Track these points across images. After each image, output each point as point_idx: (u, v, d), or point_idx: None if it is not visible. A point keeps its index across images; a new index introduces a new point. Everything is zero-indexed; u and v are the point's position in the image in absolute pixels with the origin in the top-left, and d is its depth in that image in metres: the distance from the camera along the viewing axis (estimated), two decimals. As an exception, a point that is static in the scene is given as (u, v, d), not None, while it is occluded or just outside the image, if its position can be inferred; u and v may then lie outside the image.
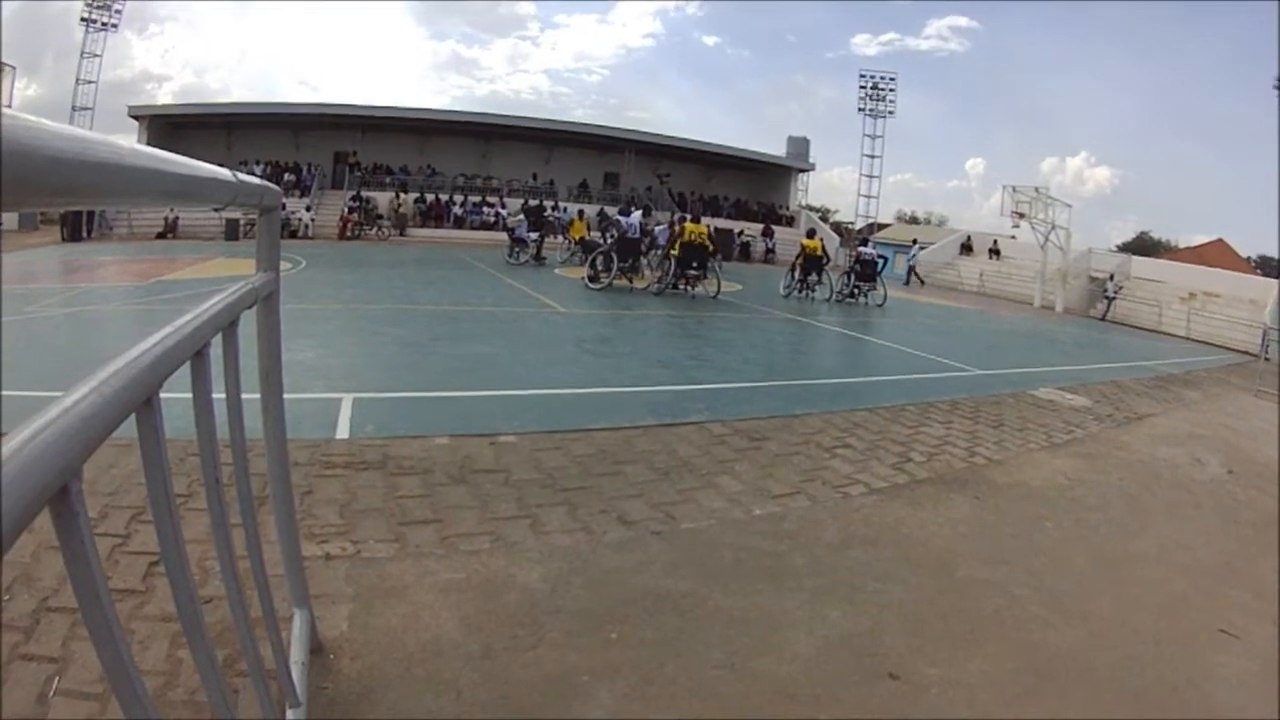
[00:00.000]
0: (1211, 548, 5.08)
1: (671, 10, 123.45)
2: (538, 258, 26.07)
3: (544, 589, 3.53)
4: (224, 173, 1.56)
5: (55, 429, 0.76)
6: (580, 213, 29.31)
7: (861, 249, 23.36)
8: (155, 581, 3.24)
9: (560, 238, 29.12)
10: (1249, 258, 56.40)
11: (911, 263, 39.10)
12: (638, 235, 19.37)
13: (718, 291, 19.05)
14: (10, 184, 0.60)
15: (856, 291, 22.23)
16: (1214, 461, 7.40)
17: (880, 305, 21.68)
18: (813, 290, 21.97)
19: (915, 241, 42.64)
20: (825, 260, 22.38)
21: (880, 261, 23.12)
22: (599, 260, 19.03)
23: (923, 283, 37.92)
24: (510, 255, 25.92)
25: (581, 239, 25.81)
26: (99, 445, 0.86)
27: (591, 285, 18.47)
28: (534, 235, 26.47)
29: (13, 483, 0.66)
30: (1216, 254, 50.48)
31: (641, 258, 19.83)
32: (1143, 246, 68.84)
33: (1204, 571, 4.63)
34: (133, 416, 1.04)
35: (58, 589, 3.05)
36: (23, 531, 0.69)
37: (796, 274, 22.19)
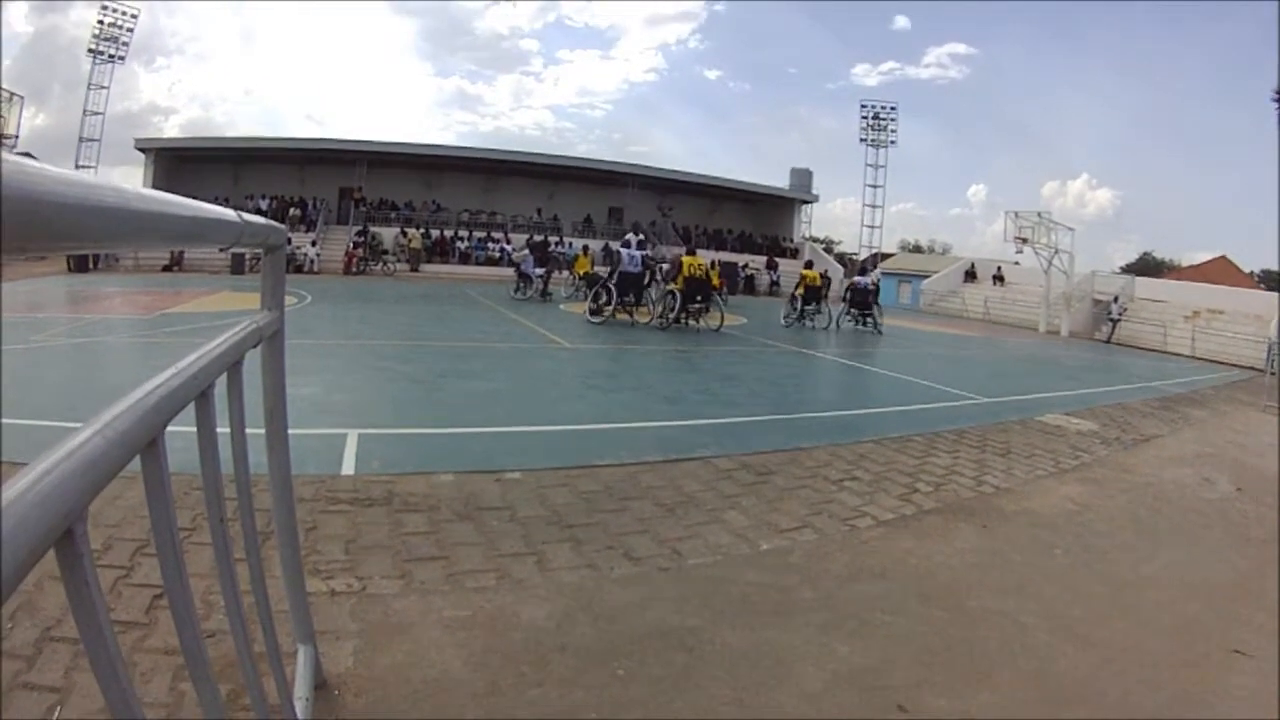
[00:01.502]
0: (1222, 567, 5.07)
1: (673, 45, 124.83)
2: (544, 294, 26.07)
3: (550, 626, 3.51)
4: (229, 214, 1.57)
5: (60, 472, 0.77)
6: (585, 248, 29.26)
7: (857, 279, 23.94)
8: (158, 615, 3.24)
9: (565, 273, 29.11)
10: (1252, 273, 56.60)
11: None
12: (639, 269, 19.38)
13: (720, 325, 19.07)
14: (14, 231, 0.60)
15: (859, 319, 23.07)
16: (1223, 480, 7.40)
17: (879, 333, 22.21)
18: (812, 320, 22.64)
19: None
20: (824, 289, 23.32)
21: (875, 290, 23.84)
22: (600, 294, 19.12)
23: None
24: (516, 291, 25.93)
25: (586, 274, 25.72)
26: (104, 487, 0.87)
27: (593, 319, 18.60)
28: (539, 271, 26.52)
29: (18, 527, 0.66)
30: (1219, 271, 50.75)
31: (645, 291, 19.85)
32: (1146, 267, 69.32)
33: (1215, 592, 4.62)
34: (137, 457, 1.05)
35: (61, 619, 3.05)
36: (26, 574, 0.69)
37: (797, 304, 22.92)
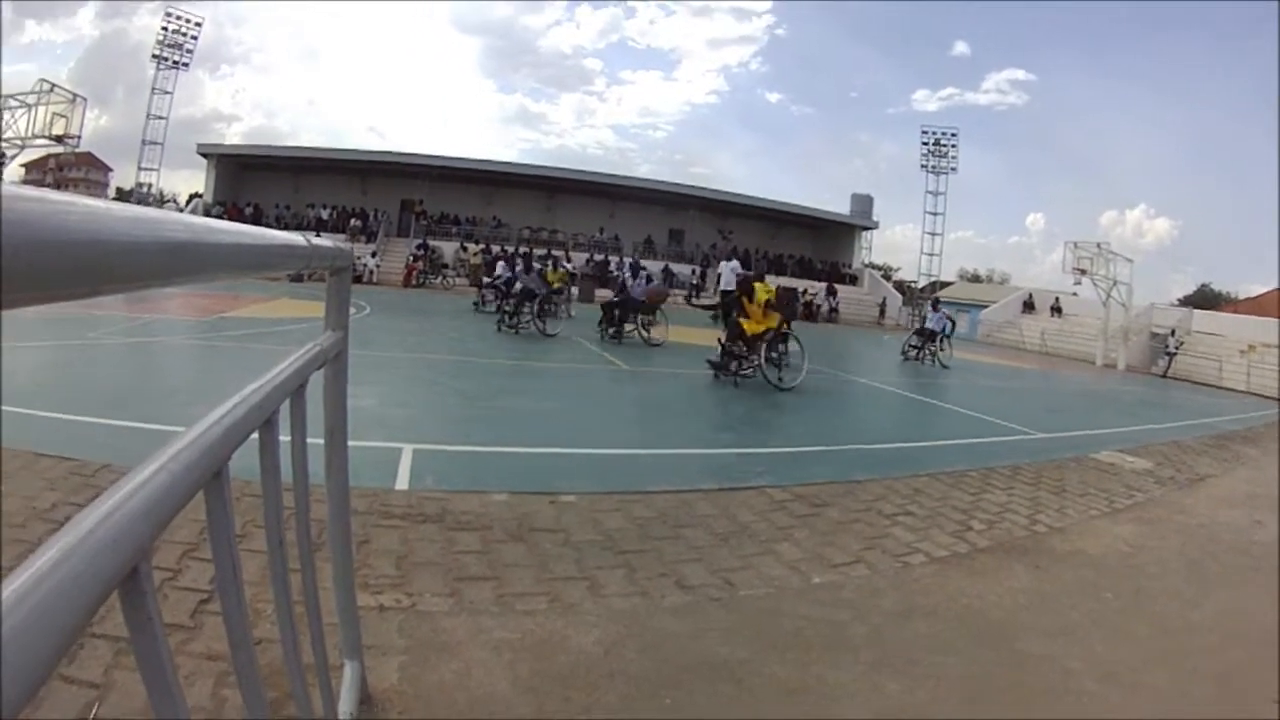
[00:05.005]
0: (1268, 612, 4.93)
1: (735, 68, 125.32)
2: (539, 316, 18.42)
3: (599, 652, 3.49)
4: (297, 239, 1.59)
5: (125, 511, 0.76)
6: (554, 263, 25.34)
7: (931, 312, 23.41)
8: (203, 619, 3.29)
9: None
10: (1309, 305, 55.19)
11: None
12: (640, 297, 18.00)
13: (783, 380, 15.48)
14: (84, 274, 0.60)
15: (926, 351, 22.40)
16: (1273, 521, 7.24)
17: (944, 367, 21.53)
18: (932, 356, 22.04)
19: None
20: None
21: (948, 324, 23.04)
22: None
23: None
24: (508, 319, 18.25)
25: (560, 289, 22.50)
26: (168, 524, 0.86)
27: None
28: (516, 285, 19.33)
29: (83, 571, 0.66)
30: (1276, 303, 49.67)
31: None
32: (1204, 299, 68.45)
33: (1261, 638, 4.48)
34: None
35: (104, 616, 3.07)
36: (91, 617, 0.68)
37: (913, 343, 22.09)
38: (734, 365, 13.12)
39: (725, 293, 17.96)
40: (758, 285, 16.29)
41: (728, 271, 18.83)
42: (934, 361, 21.96)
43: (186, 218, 0.89)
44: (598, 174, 50.64)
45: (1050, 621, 4.45)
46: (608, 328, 18.17)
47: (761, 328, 13.20)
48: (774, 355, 13.35)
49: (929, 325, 22.67)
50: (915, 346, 22.60)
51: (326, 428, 2.37)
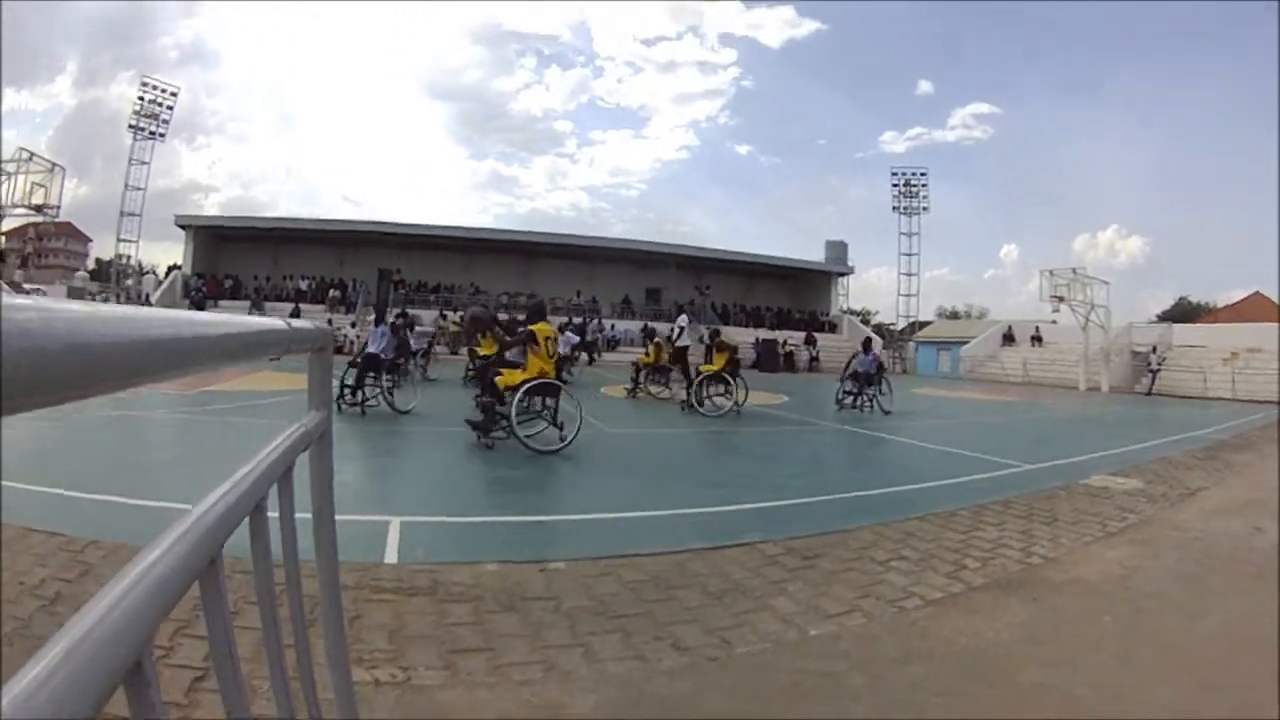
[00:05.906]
0: (1273, 619, 4.94)
1: (703, 122, 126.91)
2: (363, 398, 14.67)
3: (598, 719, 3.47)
4: (278, 324, 1.60)
5: (128, 603, 0.77)
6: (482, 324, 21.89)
7: (862, 355, 20.56)
8: (199, 697, 3.28)
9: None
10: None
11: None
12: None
13: (742, 403, 17.62)
14: (69, 380, 0.61)
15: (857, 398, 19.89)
16: (1272, 526, 7.31)
17: (887, 412, 19.43)
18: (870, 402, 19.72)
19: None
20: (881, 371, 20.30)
21: (875, 368, 20.32)
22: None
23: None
24: (349, 395, 14.47)
25: (488, 358, 16.25)
26: (167, 615, 0.88)
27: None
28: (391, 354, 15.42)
29: (87, 667, 0.67)
30: (1255, 307, 50.22)
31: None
32: (1183, 312, 68.94)
33: (1269, 645, 4.49)
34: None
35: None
36: (98, 715, 0.69)
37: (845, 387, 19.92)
38: (490, 424, 11.14)
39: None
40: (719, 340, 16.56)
41: (680, 326, 19.07)
42: (873, 407, 19.79)
43: (170, 313, 0.91)
44: (574, 236, 51.18)
45: (1050, 651, 4.45)
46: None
47: (518, 379, 11.09)
48: (532, 409, 11.42)
49: (857, 368, 20.18)
50: (850, 393, 19.90)
51: (314, 508, 2.37)
